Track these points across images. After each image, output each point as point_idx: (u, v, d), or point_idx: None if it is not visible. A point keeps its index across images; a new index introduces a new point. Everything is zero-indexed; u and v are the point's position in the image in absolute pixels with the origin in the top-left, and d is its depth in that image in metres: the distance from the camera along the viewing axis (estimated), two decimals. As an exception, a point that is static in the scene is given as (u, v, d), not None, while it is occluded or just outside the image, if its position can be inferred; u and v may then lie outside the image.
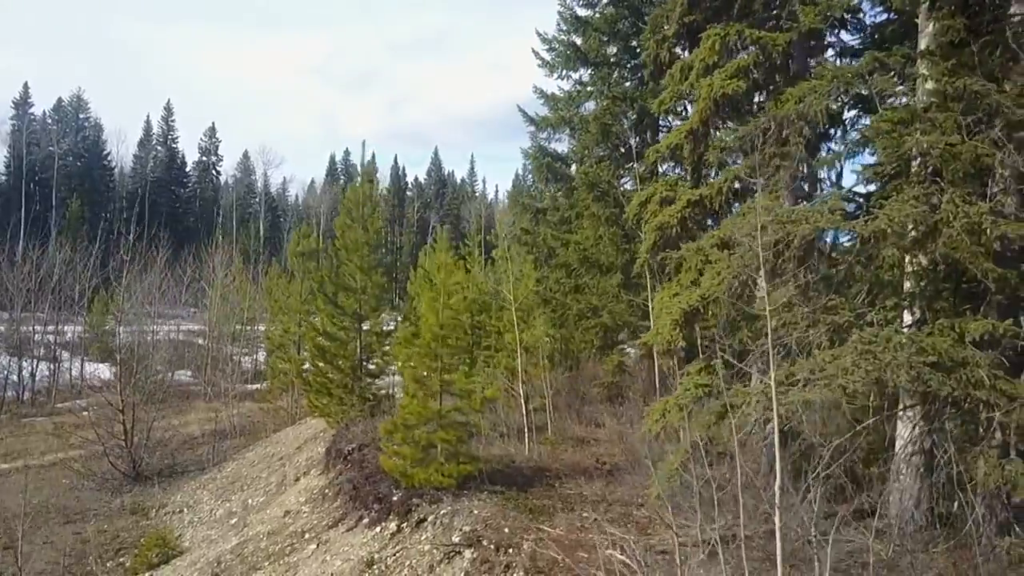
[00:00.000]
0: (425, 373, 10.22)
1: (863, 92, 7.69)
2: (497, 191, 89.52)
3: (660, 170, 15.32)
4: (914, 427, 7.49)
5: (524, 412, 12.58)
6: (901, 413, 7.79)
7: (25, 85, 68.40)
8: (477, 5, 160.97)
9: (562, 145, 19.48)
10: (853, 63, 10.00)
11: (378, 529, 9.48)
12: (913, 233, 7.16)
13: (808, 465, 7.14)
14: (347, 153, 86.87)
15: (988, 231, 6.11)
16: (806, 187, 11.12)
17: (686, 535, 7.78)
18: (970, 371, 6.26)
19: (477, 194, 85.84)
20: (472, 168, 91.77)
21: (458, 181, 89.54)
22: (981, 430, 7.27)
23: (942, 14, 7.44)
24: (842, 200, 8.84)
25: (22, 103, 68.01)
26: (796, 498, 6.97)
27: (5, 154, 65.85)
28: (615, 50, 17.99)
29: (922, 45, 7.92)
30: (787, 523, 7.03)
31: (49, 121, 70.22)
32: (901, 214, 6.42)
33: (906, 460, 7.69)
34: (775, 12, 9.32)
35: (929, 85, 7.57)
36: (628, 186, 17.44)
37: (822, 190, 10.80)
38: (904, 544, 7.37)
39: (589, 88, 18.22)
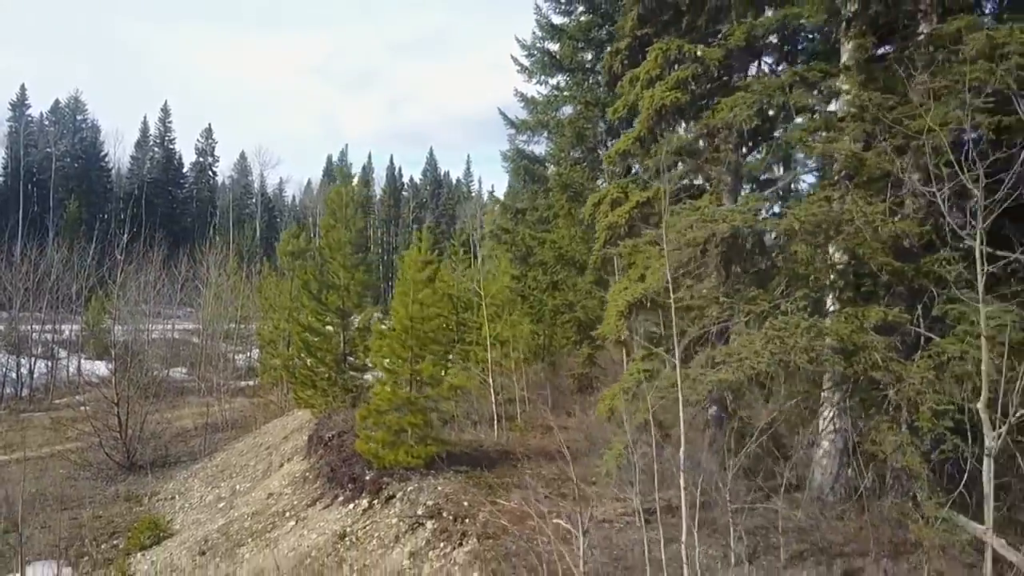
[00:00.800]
0: (398, 360, 10.96)
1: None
2: (493, 191, 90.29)
3: (634, 170, 16.06)
4: (823, 404, 8.25)
5: (494, 401, 13.33)
6: (822, 394, 8.56)
7: (22, 87, 69.03)
8: (477, 5, 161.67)
9: (540, 147, 20.25)
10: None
11: (351, 506, 10.25)
12: (830, 232, 7.92)
13: (731, 441, 7.91)
14: (343, 154, 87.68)
15: (879, 229, 6.87)
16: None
17: (626, 506, 8.57)
18: (868, 354, 7.02)
19: (473, 194, 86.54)
20: (468, 168, 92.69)
21: (454, 181, 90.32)
22: (891, 408, 8.04)
23: (855, 32, 8.20)
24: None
25: (19, 104, 68.61)
26: (727, 472, 7.74)
27: (3, 155, 66.48)
28: (590, 56, 18.72)
29: (843, 60, 8.69)
30: (715, 496, 7.80)
31: (46, 123, 70.82)
32: (808, 213, 7.18)
33: (826, 436, 8.47)
34: (717, 28, 10.06)
35: (847, 97, 8.34)
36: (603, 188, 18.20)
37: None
38: (822, 512, 8.14)
39: (565, 93, 18.95)
